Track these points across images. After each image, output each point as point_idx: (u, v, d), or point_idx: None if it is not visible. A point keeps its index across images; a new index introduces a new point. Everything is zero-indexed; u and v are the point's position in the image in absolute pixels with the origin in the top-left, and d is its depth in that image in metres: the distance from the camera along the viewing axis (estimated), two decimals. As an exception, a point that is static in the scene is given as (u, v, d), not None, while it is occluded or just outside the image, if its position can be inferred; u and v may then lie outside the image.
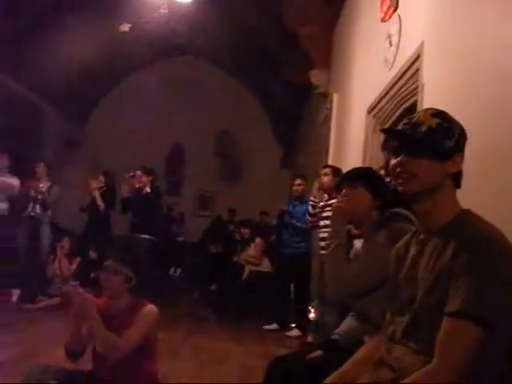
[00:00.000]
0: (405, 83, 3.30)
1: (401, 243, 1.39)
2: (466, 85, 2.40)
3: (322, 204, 4.61)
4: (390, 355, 1.24)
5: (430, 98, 2.86)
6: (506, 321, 1.07)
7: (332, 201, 4.34)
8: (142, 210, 5.49)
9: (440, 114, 1.27)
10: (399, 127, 1.29)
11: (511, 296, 1.09)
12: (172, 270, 8.95)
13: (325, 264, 2.05)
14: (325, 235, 4.32)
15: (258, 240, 6.36)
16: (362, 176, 2.02)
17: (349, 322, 1.96)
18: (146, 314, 2.17)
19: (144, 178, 5.67)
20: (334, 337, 1.95)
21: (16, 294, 5.89)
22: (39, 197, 6.11)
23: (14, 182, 6.38)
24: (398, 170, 1.24)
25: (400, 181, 1.24)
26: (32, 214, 6.11)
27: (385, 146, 3.58)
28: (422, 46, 2.98)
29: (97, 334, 2.11)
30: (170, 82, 10.19)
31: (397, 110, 3.70)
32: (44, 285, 6.10)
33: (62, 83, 8.29)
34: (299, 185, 5.24)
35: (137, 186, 5.66)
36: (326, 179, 4.44)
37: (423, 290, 1.18)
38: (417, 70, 3.03)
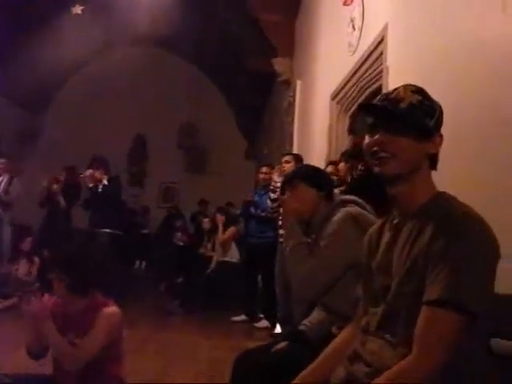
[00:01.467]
0: (369, 67, 3.27)
1: (373, 229, 1.31)
2: (432, 66, 2.37)
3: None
4: (365, 348, 1.17)
5: (395, 82, 2.83)
6: (487, 307, 1.02)
7: None
8: (101, 203, 5.31)
9: (421, 91, 1.18)
10: (377, 102, 1.20)
11: (492, 280, 1.04)
12: (137, 264, 8.77)
13: (288, 265, 2.05)
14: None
15: (231, 229, 6.24)
16: (298, 174, 2.06)
17: (316, 313, 1.92)
18: (106, 318, 2.01)
19: (96, 174, 5.48)
20: (301, 327, 1.90)
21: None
22: None
23: None
24: (375, 149, 1.15)
25: (377, 161, 1.15)
26: None
27: (351, 130, 3.56)
28: (385, 28, 2.95)
29: (52, 345, 2.00)
30: (132, 72, 9.92)
31: (361, 95, 3.67)
32: (1, 285, 5.85)
33: (17, 76, 7.94)
34: (265, 173, 5.15)
35: (90, 184, 5.47)
36: (287, 166, 4.38)
37: (398, 278, 1.11)
38: (381, 53, 3.00)
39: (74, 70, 10.28)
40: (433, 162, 1.18)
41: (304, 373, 1.33)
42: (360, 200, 2.04)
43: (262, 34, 6.59)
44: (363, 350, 1.17)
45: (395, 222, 1.20)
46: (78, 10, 5.93)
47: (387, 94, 1.19)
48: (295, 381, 1.33)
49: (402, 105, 1.14)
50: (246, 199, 5.34)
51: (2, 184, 5.93)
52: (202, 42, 9.21)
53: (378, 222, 1.32)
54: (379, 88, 3.12)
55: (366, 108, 1.28)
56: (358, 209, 1.97)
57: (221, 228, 6.23)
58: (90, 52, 9.71)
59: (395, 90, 1.19)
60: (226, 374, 2.12)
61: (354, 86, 3.70)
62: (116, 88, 10.01)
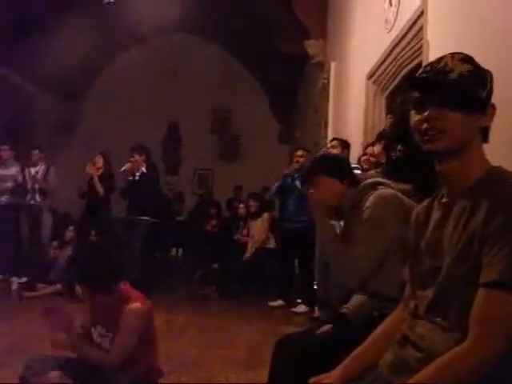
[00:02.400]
0: (408, 43, 3.14)
1: (421, 208, 1.23)
2: (475, 37, 2.24)
3: None
4: (414, 332, 1.11)
5: (436, 57, 2.71)
6: None
7: None
8: (139, 191, 5.35)
9: (470, 60, 1.08)
10: (423, 74, 1.10)
11: None
12: (174, 251, 8.86)
13: (330, 264, 2.06)
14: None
15: (265, 215, 6.19)
16: (316, 166, 2.00)
17: (357, 297, 1.88)
18: (132, 315, 1.99)
19: (137, 158, 5.51)
20: (343, 311, 1.87)
21: (16, 281, 5.80)
22: (36, 185, 5.98)
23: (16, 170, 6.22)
24: (425, 126, 1.06)
25: (427, 137, 1.06)
26: (32, 202, 6.00)
27: (389, 110, 3.45)
28: (425, 1, 2.81)
29: (80, 354, 2.02)
30: (165, 60, 9.95)
31: (399, 74, 3.55)
32: (45, 272, 6.01)
33: (53, 68, 8.08)
34: (301, 156, 5.06)
35: (130, 177, 5.52)
36: (334, 152, 4.29)
37: (450, 259, 1.04)
38: (421, 28, 2.86)
39: (110, 60, 10.39)
40: (485, 134, 1.10)
41: (353, 355, 1.29)
42: (389, 181, 1.99)
43: (294, 16, 6.47)
44: (412, 334, 1.11)
45: (444, 200, 1.12)
46: (110, -2, 5.89)
47: (433, 65, 1.10)
48: (345, 362, 1.28)
49: (452, 76, 1.04)
50: (285, 173, 5.25)
51: (40, 173, 6.07)
52: (234, 26, 9.14)
53: (426, 200, 1.24)
54: (419, 65, 2.99)
55: (411, 81, 1.18)
56: (389, 190, 1.92)
57: (259, 221, 6.16)
58: (125, 41, 9.80)
59: (441, 59, 1.10)
60: (264, 359, 2.10)
61: (391, 64, 3.57)
62: (150, 76, 10.05)
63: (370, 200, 1.84)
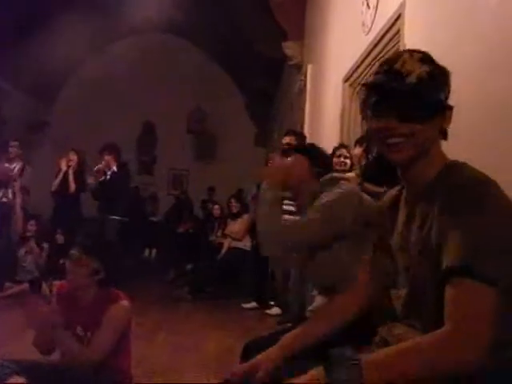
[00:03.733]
0: (384, 46, 3.14)
1: (387, 200, 1.21)
2: (451, 45, 2.25)
3: None
4: (392, 334, 1.09)
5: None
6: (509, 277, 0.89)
7: None
8: (110, 190, 5.26)
9: (429, 60, 1.03)
10: (379, 80, 1.03)
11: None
12: (147, 251, 8.74)
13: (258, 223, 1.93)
14: (289, 208, 4.22)
15: (246, 216, 6.14)
16: (297, 146, 2.06)
17: (320, 299, 1.87)
18: (117, 313, 1.95)
19: (108, 157, 5.43)
20: (307, 314, 1.86)
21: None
22: (11, 180, 5.74)
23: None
24: (385, 134, 1.02)
25: (389, 147, 1.02)
26: (4, 199, 5.78)
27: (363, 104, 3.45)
28: (403, 5, 2.82)
29: (61, 349, 1.95)
30: (141, 59, 9.82)
31: (376, 76, 3.55)
32: (11, 271, 5.84)
33: (25, 64, 7.88)
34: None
35: (100, 178, 5.43)
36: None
37: (416, 257, 1.02)
38: (397, 31, 2.87)
39: (83, 58, 10.19)
40: (444, 133, 1.07)
41: (294, 333, 1.27)
42: (344, 176, 2.03)
43: (272, 18, 6.46)
44: (392, 337, 1.09)
45: (409, 199, 1.11)
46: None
47: (391, 64, 1.03)
48: (283, 342, 1.27)
49: (410, 79, 0.99)
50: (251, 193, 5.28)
51: (15, 170, 5.87)
52: (211, 26, 9.09)
53: (393, 192, 1.21)
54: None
55: (368, 86, 1.09)
56: (351, 186, 1.93)
57: (238, 221, 6.11)
58: (99, 40, 9.63)
59: (399, 56, 1.03)
60: (236, 363, 2.05)
61: (368, 67, 3.57)
62: (124, 75, 9.91)
63: (330, 195, 1.82)
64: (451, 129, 1.09)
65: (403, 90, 0.99)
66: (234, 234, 6.13)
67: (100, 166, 5.54)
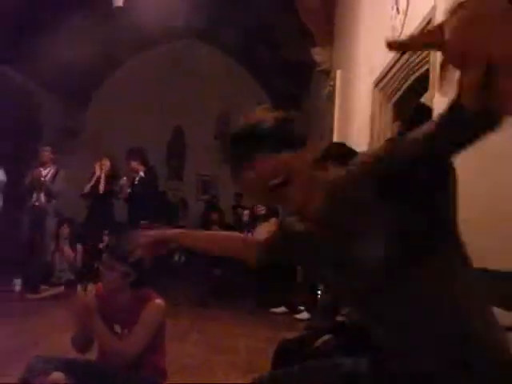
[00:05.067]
0: (414, 51, 3.13)
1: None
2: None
3: None
4: None
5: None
6: None
7: None
8: (138, 194, 5.36)
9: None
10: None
11: None
12: (176, 257, 8.84)
13: None
14: None
15: (273, 220, 6.15)
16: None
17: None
18: (153, 311, 2.02)
19: (134, 162, 5.53)
20: (340, 319, 1.86)
21: (19, 283, 5.79)
22: (43, 185, 5.89)
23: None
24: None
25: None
26: (36, 203, 5.93)
27: (396, 117, 3.45)
28: (433, 10, 2.81)
29: (100, 341, 2.02)
30: (170, 65, 10.00)
31: (406, 81, 3.54)
32: (47, 274, 6.01)
33: (58, 70, 8.12)
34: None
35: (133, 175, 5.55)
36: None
37: None
38: (428, 36, 2.86)
39: (116, 64, 10.43)
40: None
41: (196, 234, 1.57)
42: None
43: (301, 23, 6.49)
44: None
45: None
46: (119, 2, 5.86)
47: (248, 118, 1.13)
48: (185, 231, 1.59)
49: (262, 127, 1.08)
50: None
51: (49, 175, 6.01)
52: (238, 32, 9.18)
53: None
54: (426, 72, 2.99)
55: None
56: None
57: (265, 225, 6.12)
58: (132, 45, 9.85)
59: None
60: (266, 366, 2.09)
61: (398, 71, 3.57)
62: (156, 80, 10.10)
63: None
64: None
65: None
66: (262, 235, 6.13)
67: (124, 181, 5.62)
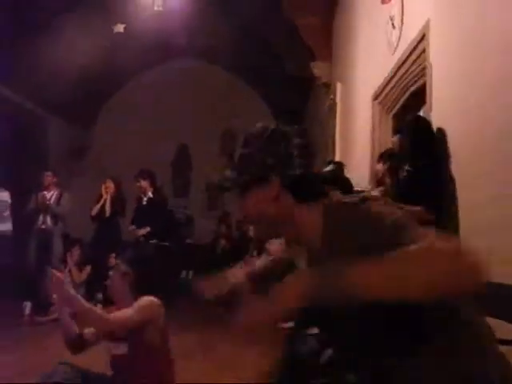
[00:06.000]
0: (411, 65, 3.19)
1: None
2: (476, 61, 2.29)
3: None
4: None
5: (439, 79, 2.75)
6: None
7: None
8: (146, 215, 5.41)
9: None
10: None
11: None
12: (184, 273, 8.86)
13: None
14: None
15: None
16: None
17: None
18: (143, 300, 2.08)
19: (142, 183, 5.60)
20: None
21: (28, 306, 5.83)
22: (49, 208, 6.00)
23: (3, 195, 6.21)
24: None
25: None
26: (43, 226, 6.03)
27: (396, 130, 3.48)
28: (427, 24, 2.87)
29: (78, 311, 2.04)
30: (172, 84, 10.12)
31: (404, 94, 3.59)
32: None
33: (62, 91, 8.24)
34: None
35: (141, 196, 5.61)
36: None
37: None
38: (423, 51, 2.92)
39: (119, 84, 10.57)
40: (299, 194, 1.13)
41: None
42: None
43: (300, 38, 6.58)
44: None
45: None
46: (120, 28, 6.03)
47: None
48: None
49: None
50: None
51: (53, 198, 6.12)
52: (240, 49, 9.28)
53: None
54: (423, 86, 3.04)
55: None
56: None
57: (275, 243, 6.12)
58: (134, 66, 9.99)
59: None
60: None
61: (396, 85, 3.62)
62: (159, 99, 10.22)
63: None
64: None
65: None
66: (274, 253, 6.13)
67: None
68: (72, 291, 2.01)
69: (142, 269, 2.17)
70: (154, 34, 7.62)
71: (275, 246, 5.66)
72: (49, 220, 6.01)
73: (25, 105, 8.21)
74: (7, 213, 6.18)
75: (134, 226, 5.66)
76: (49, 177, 6.15)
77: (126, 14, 6.28)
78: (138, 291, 2.12)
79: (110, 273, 2.21)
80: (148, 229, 5.49)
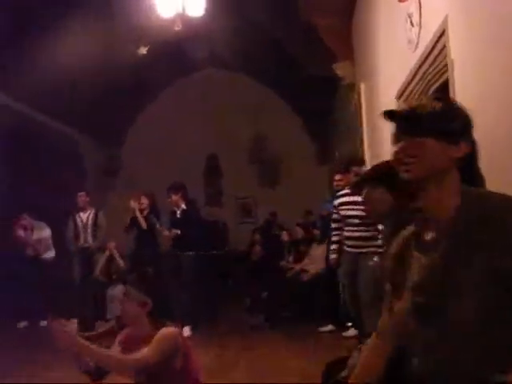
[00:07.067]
0: (432, 62, 3.14)
1: (398, 246, 1.27)
2: (498, 55, 2.25)
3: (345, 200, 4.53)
4: None
5: (462, 74, 2.72)
6: None
7: (352, 197, 4.32)
8: (181, 228, 5.50)
9: (444, 99, 1.22)
10: (396, 110, 1.23)
11: None
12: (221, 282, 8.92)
13: None
14: (349, 234, 4.28)
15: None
16: (382, 176, 1.96)
17: None
18: (161, 332, 2.05)
19: (175, 197, 5.69)
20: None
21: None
22: (87, 227, 6.26)
23: (44, 233, 6.50)
24: (400, 155, 1.16)
25: (403, 167, 1.16)
26: (85, 245, 6.27)
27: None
28: (445, 20, 2.83)
29: (95, 360, 2.02)
30: (195, 96, 10.27)
31: (427, 92, 3.54)
32: (101, 311, 6.23)
33: (90, 110, 8.48)
34: (340, 180, 5.14)
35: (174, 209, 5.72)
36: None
37: (470, 299, 1.05)
38: (443, 47, 2.88)
39: (144, 102, 10.78)
40: (465, 173, 1.16)
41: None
42: None
43: (320, 40, 6.57)
44: None
45: (429, 237, 1.16)
46: (143, 50, 6.23)
47: (410, 103, 1.23)
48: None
49: (423, 111, 1.15)
50: (321, 213, 5.31)
51: (90, 217, 6.35)
52: (261, 55, 9.33)
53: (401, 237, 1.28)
54: (446, 82, 3.00)
55: (387, 115, 1.25)
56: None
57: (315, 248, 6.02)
58: (156, 85, 10.19)
59: (420, 99, 1.26)
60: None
61: (418, 82, 3.57)
62: (186, 112, 10.37)
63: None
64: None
65: (417, 117, 1.15)
66: (318, 262, 6.07)
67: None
68: (83, 341, 1.94)
69: (158, 295, 2.16)
70: (176, 50, 7.76)
71: (319, 251, 5.60)
72: (89, 239, 6.25)
73: (52, 124, 8.47)
74: (50, 241, 6.56)
75: (165, 230, 5.73)
76: (82, 197, 6.40)
77: (148, 36, 6.44)
78: (155, 317, 2.11)
79: (122, 300, 2.18)
80: (178, 232, 5.54)
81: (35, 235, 6.52)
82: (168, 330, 2.07)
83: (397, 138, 1.19)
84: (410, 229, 1.25)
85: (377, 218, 1.99)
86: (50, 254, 6.57)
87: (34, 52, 6.65)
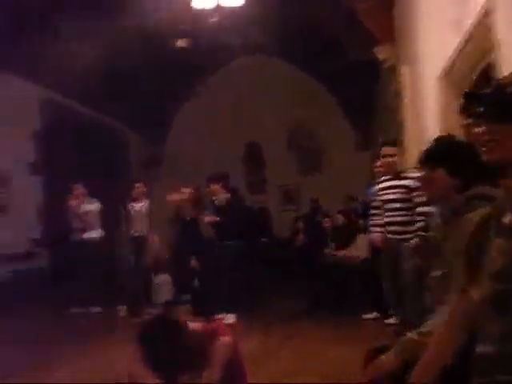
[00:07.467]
0: (477, 42, 3.04)
1: (479, 226, 1.24)
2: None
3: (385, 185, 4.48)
4: None
5: (509, 54, 2.62)
6: None
7: (392, 182, 4.23)
8: (223, 217, 5.55)
9: None
10: (485, 90, 1.19)
11: None
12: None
13: None
14: (390, 219, 4.23)
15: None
16: (443, 156, 1.80)
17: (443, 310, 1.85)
18: (222, 349, 2.13)
19: (215, 187, 5.73)
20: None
21: (124, 309, 6.24)
22: (141, 215, 6.42)
23: (93, 206, 6.69)
24: (483, 138, 1.15)
25: (484, 149, 1.15)
26: (136, 234, 6.45)
27: (462, 110, 3.34)
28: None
29: None
30: (236, 84, 10.30)
31: (471, 73, 3.44)
32: (149, 297, 6.44)
33: (136, 104, 8.70)
34: (381, 166, 5.08)
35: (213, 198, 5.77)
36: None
37: None
38: (488, 27, 2.78)
39: (186, 93, 10.89)
40: None
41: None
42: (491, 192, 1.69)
43: (360, 23, 6.45)
44: None
45: (507, 220, 1.12)
46: (183, 43, 6.30)
47: (496, 80, 1.22)
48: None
49: (508, 90, 1.11)
50: (364, 200, 5.27)
51: (144, 208, 6.53)
52: (303, 42, 9.24)
53: (482, 214, 1.24)
54: (491, 62, 2.90)
55: (471, 97, 1.25)
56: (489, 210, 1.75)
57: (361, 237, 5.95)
58: (197, 75, 10.28)
59: (507, 77, 1.20)
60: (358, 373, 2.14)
61: (463, 63, 3.47)
62: (226, 100, 10.43)
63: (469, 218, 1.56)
64: None
65: (501, 99, 1.11)
66: (365, 251, 6.00)
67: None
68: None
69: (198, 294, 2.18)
70: (214, 41, 7.80)
71: (363, 240, 5.55)
72: (142, 227, 6.43)
73: (104, 120, 8.78)
74: (95, 221, 6.70)
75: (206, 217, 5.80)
76: (140, 188, 6.55)
77: (182, 28, 6.50)
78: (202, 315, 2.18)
79: None
80: (217, 218, 5.58)
81: (84, 207, 6.67)
82: (224, 342, 2.15)
83: (479, 118, 1.19)
84: (481, 211, 1.24)
85: (432, 200, 1.95)
86: (96, 233, 6.67)
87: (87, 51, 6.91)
